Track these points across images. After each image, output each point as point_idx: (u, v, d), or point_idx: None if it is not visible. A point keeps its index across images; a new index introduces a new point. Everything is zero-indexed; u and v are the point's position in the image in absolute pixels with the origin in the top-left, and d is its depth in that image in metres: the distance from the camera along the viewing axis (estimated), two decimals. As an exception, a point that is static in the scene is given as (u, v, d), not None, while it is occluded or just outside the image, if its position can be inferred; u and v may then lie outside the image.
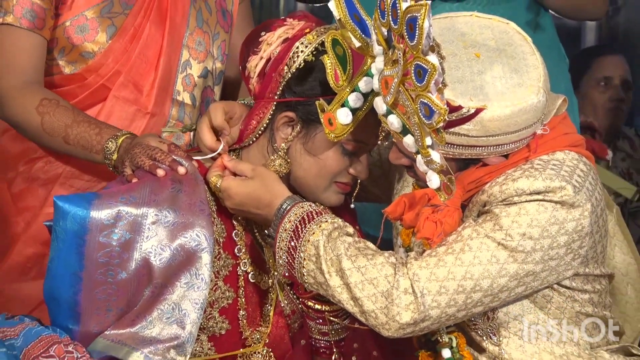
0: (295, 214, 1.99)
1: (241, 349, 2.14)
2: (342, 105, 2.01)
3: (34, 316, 2.09)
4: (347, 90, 2.00)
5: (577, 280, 2.03)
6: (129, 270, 1.97)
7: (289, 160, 2.10)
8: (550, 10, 2.91)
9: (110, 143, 2.18)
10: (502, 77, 1.93)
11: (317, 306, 2.09)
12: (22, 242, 2.39)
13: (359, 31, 1.95)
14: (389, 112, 1.91)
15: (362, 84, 1.99)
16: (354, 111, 2.01)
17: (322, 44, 2.05)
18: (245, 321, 2.13)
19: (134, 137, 2.18)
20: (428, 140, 1.86)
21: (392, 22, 1.83)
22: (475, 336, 2.08)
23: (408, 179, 2.21)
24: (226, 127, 2.12)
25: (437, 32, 1.90)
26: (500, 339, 2.05)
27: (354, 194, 2.16)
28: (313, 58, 2.06)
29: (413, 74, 1.81)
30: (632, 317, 2.25)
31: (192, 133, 2.41)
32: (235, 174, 2.10)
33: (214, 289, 2.07)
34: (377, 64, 1.92)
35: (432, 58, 1.77)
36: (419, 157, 1.91)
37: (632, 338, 2.24)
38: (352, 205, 2.22)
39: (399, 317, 1.92)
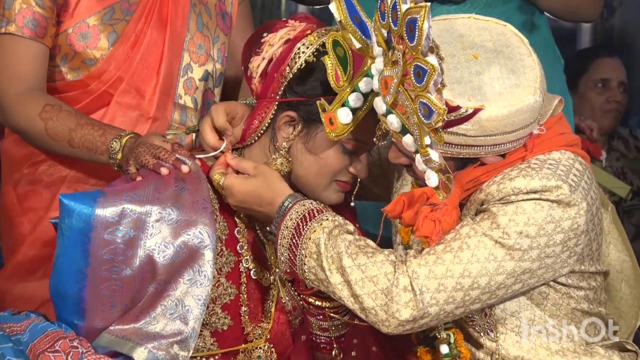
0: (297, 212, 2.00)
1: (243, 345, 2.14)
2: (343, 105, 2.01)
3: (40, 312, 2.10)
4: (348, 90, 2.00)
5: (573, 278, 2.04)
6: (133, 267, 1.97)
7: (290, 159, 2.11)
8: (545, 12, 2.93)
9: (114, 143, 2.18)
10: (499, 78, 1.94)
11: (318, 303, 2.10)
12: (27, 245, 2.40)
13: (359, 32, 1.96)
14: (388, 112, 1.91)
15: (362, 85, 2.00)
16: (354, 111, 2.01)
17: (323, 45, 2.05)
18: (247, 317, 2.13)
19: (138, 136, 2.19)
20: (427, 140, 1.86)
21: (392, 24, 1.84)
22: (473, 332, 2.09)
23: (407, 177, 2.22)
24: (228, 127, 2.12)
25: (436, 34, 1.90)
26: (498, 335, 2.06)
27: (354, 193, 2.16)
28: (314, 59, 2.06)
29: (412, 75, 1.81)
30: (627, 314, 2.25)
31: (194, 135, 2.41)
32: (237, 172, 2.10)
33: (216, 285, 2.08)
34: (377, 65, 1.93)
35: (432, 59, 1.78)
36: (418, 157, 1.91)
37: (626, 334, 2.24)
38: (352, 204, 2.22)
39: (399, 314, 1.92)
